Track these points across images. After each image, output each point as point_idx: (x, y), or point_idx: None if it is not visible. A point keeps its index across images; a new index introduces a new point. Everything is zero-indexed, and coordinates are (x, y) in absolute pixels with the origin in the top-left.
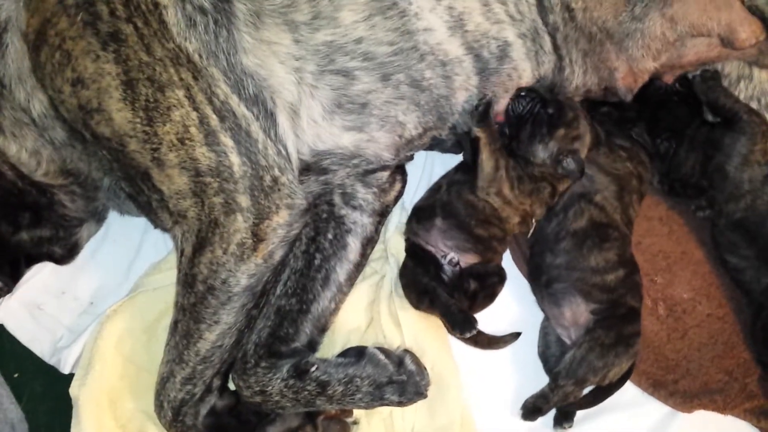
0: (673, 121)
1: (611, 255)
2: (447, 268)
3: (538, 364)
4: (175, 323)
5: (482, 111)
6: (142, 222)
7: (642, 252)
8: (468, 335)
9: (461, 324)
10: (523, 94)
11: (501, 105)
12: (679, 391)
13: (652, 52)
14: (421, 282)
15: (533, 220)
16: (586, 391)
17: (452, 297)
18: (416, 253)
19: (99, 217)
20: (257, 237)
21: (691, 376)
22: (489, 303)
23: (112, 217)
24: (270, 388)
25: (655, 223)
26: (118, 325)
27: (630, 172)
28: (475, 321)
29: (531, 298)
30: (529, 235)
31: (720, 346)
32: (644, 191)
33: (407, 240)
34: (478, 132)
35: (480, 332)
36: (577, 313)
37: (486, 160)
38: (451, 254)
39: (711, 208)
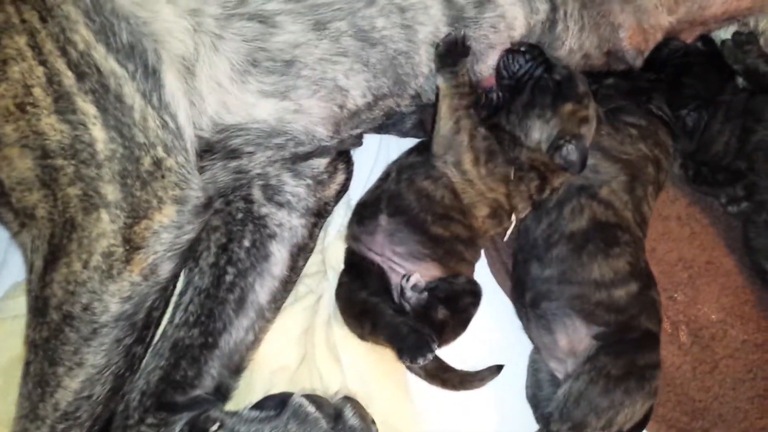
0: (702, 87)
1: (621, 264)
2: (410, 294)
3: (527, 410)
4: (26, 365)
5: (442, 51)
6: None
7: (657, 261)
8: (422, 361)
9: (413, 347)
10: (522, 49)
11: (487, 64)
12: None
13: (668, 2)
14: (359, 299)
15: (513, 217)
16: None
17: (402, 314)
18: (354, 264)
19: None
20: (131, 244)
21: (725, 424)
22: (461, 332)
23: None
24: None
25: (673, 223)
26: None
27: (644, 155)
28: (432, 341)
29: (515, 318)
30: (506, 237)
31: (760, 381)
32: (662, 181)
33: (347, 249)
34: (438, 80)
35: (449, 368)
36: (575, 340)
37: (443, 118)
38: (415, 276)
39: (748, 200)
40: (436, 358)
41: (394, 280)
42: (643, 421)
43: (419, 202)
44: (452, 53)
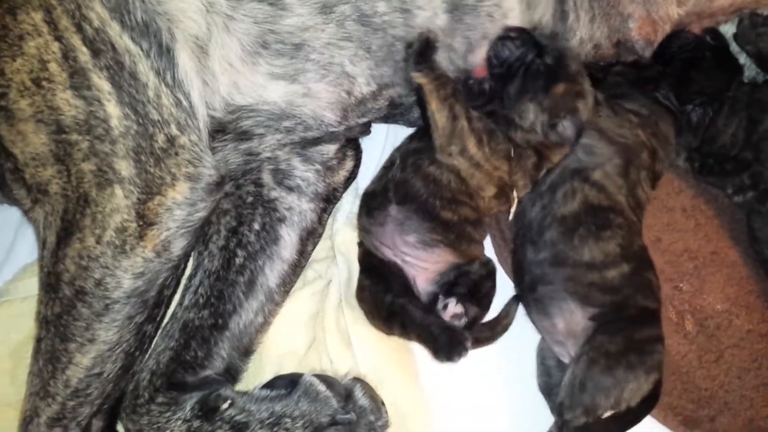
0: (709, 83)
1: (611, 246)
2: (449, 321)
3: (533, 394)
4: (38, 342)
5: (418, 49)
6: (17, 214)
7: (662, 252)
8: (458, 360)
9: (448, 346)
10: (512, 35)
11: (478, 55)
12: (716, 430)
13: None
14: (385, 302)
15: (514, 195)
16: None
17: (431, 312)
18: (373, 266)
19: None
20: (145, 220)
21: (731, 411)
22: (485, 315)
23: None
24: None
25: (678, 215)
26: None
27: (641, 142)
28: (466, 340)
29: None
30: (511, 215)
31: (765, 371)
32: (659, 171)
33: (360, 245)
34: (418, 77)
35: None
36: (572, 322)
37: (437, 111)
38: (453, 305)
39: (754, 189)
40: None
41: (410, 273)
42: (653, 397)
43: (427, 187)
44: (427, 51)
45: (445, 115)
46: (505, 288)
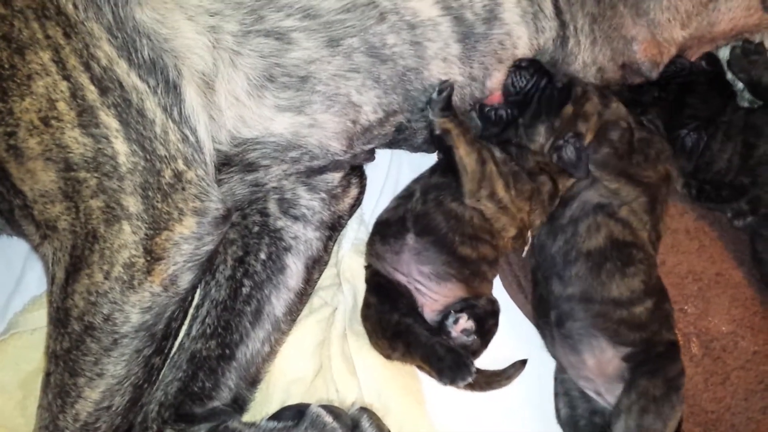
0: (703, 107)
1: (636, 283)
2: (456, 335)
3: (549, 426)
4: (47, 376)
5: (445, 97)
6: (25, 245)
7: (666, 274)
8: (462, 383)
9: (453, 368)
10: (524, 65)
11: (495, 80)
12: None
13: (681, 16)
14: (391, 321)
15: (530, 233)
16: None
17: (435, 334)
18: (381, 286)
19: None
20: (152, 255)
21: None
22: (483, 351)
23: None
24: None
25: (681, 237)
26: None
27: (661, 176)
28: (470, 362)
29: (527, 328)
30: (524, 253)
31: None
32: (671, 192)
33: (368, 268)
34: (443, 123)
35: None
36: (603, 360)
37: (466, 155)
38: (463, 319)
39: (754, 214)
40: None
41: (420, 300)
42: (680, 425)
43: (448, 223)
44: (449, 98)
45: (474, 159)
46: (512, 324)
